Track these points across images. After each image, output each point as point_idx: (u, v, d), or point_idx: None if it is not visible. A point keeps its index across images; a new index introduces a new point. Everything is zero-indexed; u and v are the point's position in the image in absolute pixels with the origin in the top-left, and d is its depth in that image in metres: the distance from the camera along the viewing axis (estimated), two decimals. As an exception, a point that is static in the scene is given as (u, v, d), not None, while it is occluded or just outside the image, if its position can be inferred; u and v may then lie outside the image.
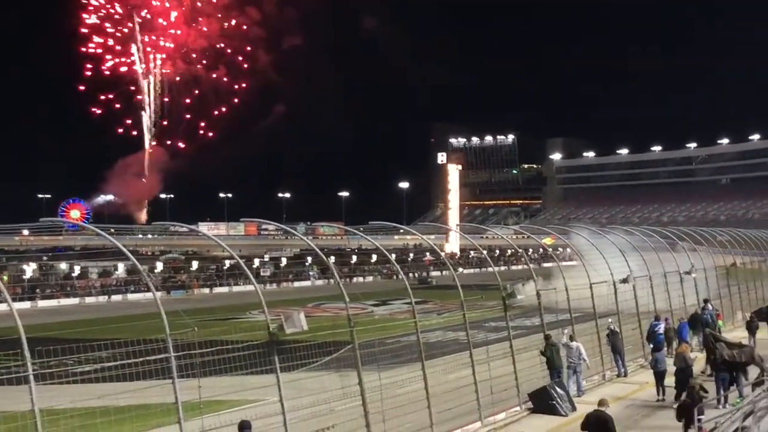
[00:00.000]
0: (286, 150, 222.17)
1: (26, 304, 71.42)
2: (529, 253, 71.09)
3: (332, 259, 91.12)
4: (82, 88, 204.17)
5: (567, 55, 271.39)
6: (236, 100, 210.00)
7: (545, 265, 54.26)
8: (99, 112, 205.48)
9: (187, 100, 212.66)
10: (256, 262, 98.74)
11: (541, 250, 68.93)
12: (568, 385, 26.83)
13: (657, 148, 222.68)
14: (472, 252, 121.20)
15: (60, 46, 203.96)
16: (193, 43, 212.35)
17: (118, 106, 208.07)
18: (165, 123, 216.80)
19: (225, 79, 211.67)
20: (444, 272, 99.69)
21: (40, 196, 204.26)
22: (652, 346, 32.02)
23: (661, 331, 33.06)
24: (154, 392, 16.27)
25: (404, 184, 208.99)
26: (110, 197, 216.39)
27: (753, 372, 24.69)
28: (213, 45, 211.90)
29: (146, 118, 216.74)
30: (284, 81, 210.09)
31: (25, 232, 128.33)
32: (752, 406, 17.45)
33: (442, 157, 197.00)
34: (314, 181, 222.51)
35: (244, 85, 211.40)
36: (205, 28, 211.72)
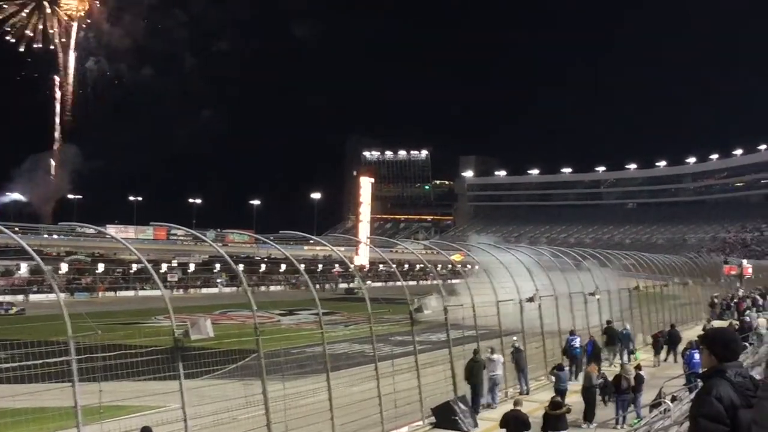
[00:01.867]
0: (199, 155, 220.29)
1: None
2: (438, 269, 71.55)
3: (241, 266, 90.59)
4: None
5: (483, 75, 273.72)
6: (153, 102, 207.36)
7: (453, 281, 54.63)
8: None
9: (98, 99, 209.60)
10: (164, 267, 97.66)
11: (450, 266, 69.51)
12: (487, 396, 27.32)
13: (567, 171, 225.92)
14: (381, 265, 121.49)
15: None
16: (118, 42, 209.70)
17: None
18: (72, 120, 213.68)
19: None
20: (350, 284, 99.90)
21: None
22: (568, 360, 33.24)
23: (577, 345, 34.00)
24: (53, 395, 15.99)
25: (316, 195, 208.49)
26: (16, 195, 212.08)
27: (652, 393, 25.16)
28: (139, 44, 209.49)
29: (57, 115, 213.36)
30: (205, 85, 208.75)
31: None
32: (648, 428, 17.78)
33: (355, 170, 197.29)
34: (226, 187, 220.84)
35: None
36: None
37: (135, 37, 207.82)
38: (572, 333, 35.57)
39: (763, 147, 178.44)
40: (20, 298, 78.65)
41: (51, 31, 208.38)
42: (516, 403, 19.39)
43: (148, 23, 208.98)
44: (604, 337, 39.64)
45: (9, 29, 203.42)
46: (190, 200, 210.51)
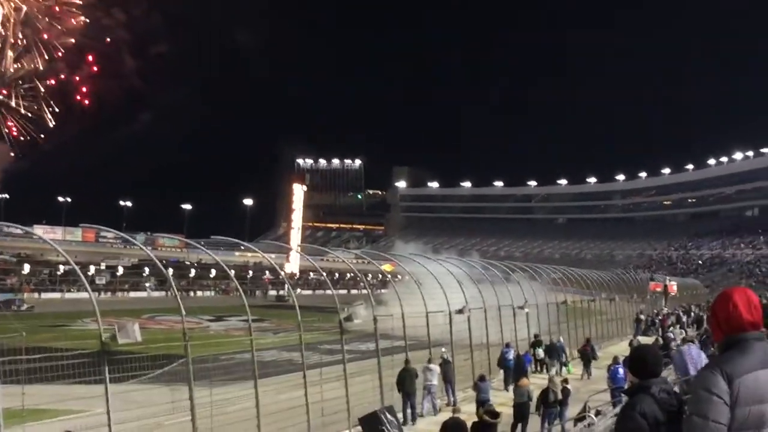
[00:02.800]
0: (131, 156, 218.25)
1: None
2: (369, 278, 71.61)
3: (171, 271, 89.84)
4: None
5: (419, 87, 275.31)
6: (86, 102, 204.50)
7: (383, 291, 54.72)
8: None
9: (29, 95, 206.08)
10: (92, 269, 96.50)
11: (380, 275, 69.57)
12: (423, 405, 27.50)
13: (499, 184, 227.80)
14: (312, 273, 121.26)
15: None
16: (56, 39, 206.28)
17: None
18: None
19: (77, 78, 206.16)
20: (280, 291, 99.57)
21: None
22: (502, 371, 33.72)
23: (511, 357, 34.45)
24: (-27, 397, 15.71)
25: (248, 201, 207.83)
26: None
27: (578, 407, 25.41)
28: (78, 44, 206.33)
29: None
30: (144, 86, 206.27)
31: None
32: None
33: (288, 177, 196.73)
34: (157, 190, 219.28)
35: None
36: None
37: (74, 36, 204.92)
38: (507, 345, 36.06)
39: (690, 167, 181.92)
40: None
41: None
42: (455, 411, 19.68)
43: (89, 22, 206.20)
44: (540, 351, 40.21)
45: None
46: (121, 203, 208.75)
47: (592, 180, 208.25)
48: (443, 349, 32.27)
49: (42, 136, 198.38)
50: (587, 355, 41.24)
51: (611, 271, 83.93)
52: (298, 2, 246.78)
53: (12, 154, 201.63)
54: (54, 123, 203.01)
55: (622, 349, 43.17)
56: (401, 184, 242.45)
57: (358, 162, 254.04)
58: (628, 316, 66.50)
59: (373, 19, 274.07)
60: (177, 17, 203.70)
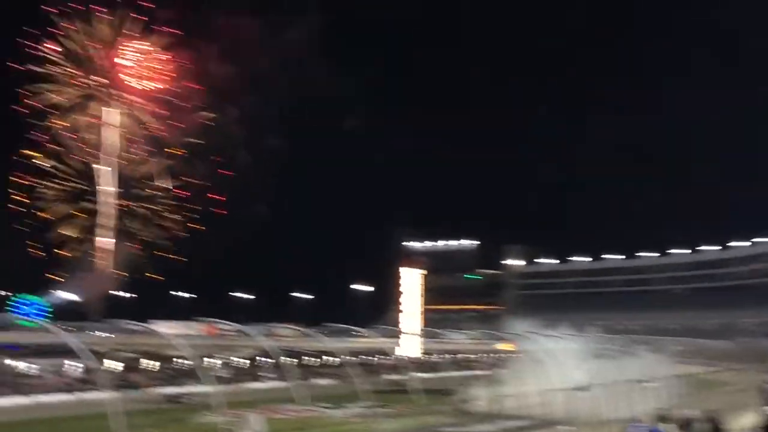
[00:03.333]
0: (245, 251, 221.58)
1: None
2: (486, 358, 71.09)
3: (288, 360, 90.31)
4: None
5: (526, 166, 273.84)
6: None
7: (502, 370, 54.22)
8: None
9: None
10: (213, 362, 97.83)
11: (499, 355, 69.04)
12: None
13: (613, 257, 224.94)
14: (430, 356, 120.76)
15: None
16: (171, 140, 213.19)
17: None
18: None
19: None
20: (398, 375, 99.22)
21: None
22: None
23: None
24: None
25: (362, 287, 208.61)
26: (67, 294, 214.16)
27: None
28: (192, 142, 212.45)
29: (106, 217, 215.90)
30: (251, 179, 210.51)
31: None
32: None
33: (401, 261, 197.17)
34: (272, 281, 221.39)
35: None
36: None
37: (188, 135, 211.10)
38: (635, 421, 34.97)
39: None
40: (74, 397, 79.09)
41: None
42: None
43: (199, 120, 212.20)
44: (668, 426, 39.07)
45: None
46: (237, 295, 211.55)
47: (709, 247, 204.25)
48: (567, 428, 31.73)
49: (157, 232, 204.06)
50: (717, 429, 39.98)
51: (734, 340, 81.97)
52: (408, 87, 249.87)
53: (134, 255, 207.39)
54: (178, 225, 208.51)
55: (750, 420, 41.82)
56: (514, 263, 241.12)
57: (470, 243, 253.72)
58: (755, 386, 64.51)
59: (479, 103, 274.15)
60: (287, 107, 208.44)
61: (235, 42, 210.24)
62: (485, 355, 73.33)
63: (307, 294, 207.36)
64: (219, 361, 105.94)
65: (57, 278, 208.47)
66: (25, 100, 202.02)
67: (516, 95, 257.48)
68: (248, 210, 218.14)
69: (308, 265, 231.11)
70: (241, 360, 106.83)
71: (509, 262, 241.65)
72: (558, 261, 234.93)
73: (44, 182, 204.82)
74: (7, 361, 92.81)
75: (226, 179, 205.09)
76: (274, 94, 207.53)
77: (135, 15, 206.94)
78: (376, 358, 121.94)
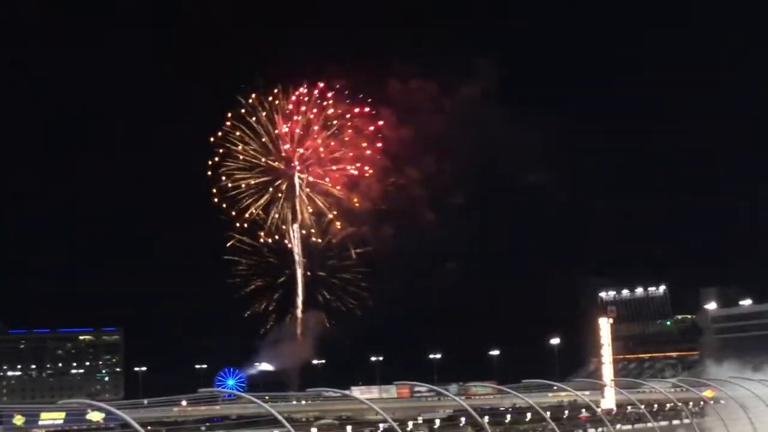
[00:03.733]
0: (434, 310, 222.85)
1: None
2: (690, 407, 68.94)
3: (486, 419, 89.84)
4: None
5: (718, 204, 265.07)
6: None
7: (707, 418, 52.51)
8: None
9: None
10: (410, 424, 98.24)
11: (702, 403, 66.79)
12: None
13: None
14: (629, 407, 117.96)
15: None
16: (357, 207, 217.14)
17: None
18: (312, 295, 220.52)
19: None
20: (600, 429, 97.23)
21: (196, 366, 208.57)
22: None
23: None
24: None
25: (555, 341, 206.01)
26: (264, 365, 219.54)
27: None
28: (376, 207, 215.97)
29: (299, 288, 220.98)
30: (445, 239, 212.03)
31: (184, 402, 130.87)
32: None
33: (591, 312, 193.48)
34: (463, 340, 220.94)
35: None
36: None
37: (372, 200, 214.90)
38: None
39: None
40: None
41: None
42: None
43: (382, 184, 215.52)
44: None
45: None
46: (430, 356, 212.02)
47: None
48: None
49: (352, 302, 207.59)
50: None
51: None
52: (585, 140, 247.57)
53: (326, 323, 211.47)
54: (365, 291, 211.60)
55: None
56: (711, 306, 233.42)
57: (662, 288, 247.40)
58: None
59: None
60: (467, 166, 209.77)
61: (412, 104, 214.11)
62: (689, 403, 71.07)
63: (496, 349, 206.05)
64: (419, 422, 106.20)
65: (255, 350, 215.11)
66: (222, 183, 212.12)
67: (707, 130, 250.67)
68: (439, 269, 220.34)
69: (496, 320, 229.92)
70: (439, 420, 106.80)
71: (705, 305, 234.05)
72: (754, 302, 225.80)
73: (242, 259, 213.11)
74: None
75: (415, 239, 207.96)
76: (456, 152, 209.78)
77: (313, 90, 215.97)
78: (575, 412, 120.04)
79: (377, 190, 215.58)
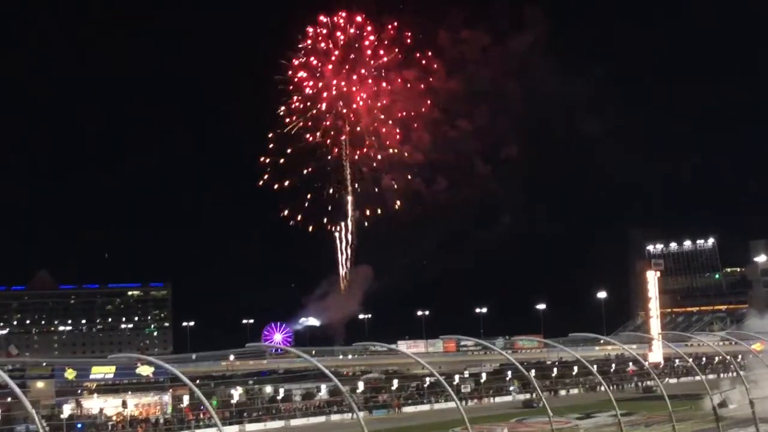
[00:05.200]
0: (477, 262, 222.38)
1: (234, 428, 73.47)
2: (739, 360, 68.26)
3: (533, 372, 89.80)
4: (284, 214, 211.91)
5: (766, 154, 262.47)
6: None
7: (757, 371, 51.88)
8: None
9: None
10: (456, 378, 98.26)
11: (750, 356, 66.20)
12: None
13: None
14: (677, 361, 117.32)
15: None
16: (409, 158, 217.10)
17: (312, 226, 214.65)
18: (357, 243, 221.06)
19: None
20: (647, 382, 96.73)
21: (243, 321, 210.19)
22: None
23: None
24: None
25: (602, 294, 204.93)
26: (310, 320, 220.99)
27: None
28: (428, 158, 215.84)
29: (346, 236, 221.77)
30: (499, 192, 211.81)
31: (231, 357, 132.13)
32: None
33: (639, 265, 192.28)
34: (509, 294, 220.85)
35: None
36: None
37: (423, 152, 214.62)
38: None
39: None
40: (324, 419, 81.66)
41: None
42: None
43: (434, 136, 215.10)
44: None
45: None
46: (476, 310, 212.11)
47: None
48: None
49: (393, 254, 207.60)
50: None
51: None
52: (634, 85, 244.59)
53: (373, 277, 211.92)
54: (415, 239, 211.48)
55: None
56: (761, 258, 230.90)
57: (711, 241, 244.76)
58: None
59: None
60: (519, 119, 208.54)
61: (462, 56, 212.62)
62: (738, 356, 70.36)
63: (543, 303, 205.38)
64: (465, 376, 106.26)
65: (302, 305, 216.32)
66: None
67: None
68: (491, 223, 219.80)
69: (542, 274, 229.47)
70: (485, 374, 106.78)
71: (754, 257, 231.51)
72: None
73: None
74: (260, 387, 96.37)
75: (466, 193, 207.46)
76: (506, 104, 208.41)
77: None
78: (622, 366, 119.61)
79: (428, 142, 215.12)
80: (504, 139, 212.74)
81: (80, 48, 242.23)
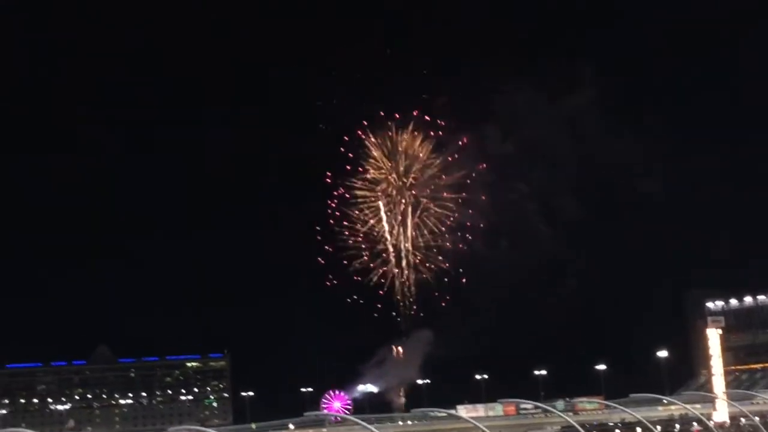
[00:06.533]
0: (540, 325, 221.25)
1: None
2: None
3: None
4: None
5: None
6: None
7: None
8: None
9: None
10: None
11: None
12: None
13: None
14: (742, 419, 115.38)
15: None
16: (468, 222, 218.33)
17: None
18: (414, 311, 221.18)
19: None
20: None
21: (302, 390, 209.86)
22: None
23: None
24: None
25: (662, 353, 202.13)
26: (369, 387, 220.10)
27: None
28: (488, 221, 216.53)
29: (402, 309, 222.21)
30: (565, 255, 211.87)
31: (291, 426, 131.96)
32: None
33: (699, 323, 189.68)
34: (569, 355, 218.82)
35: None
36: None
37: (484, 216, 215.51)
38: None
39: None
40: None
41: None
42: None
43: (489, 199, 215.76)
44: None
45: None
46: (536, 372, 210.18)
47: None
48: None
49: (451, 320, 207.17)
50: None
51: None
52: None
53: (427, 343, 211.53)
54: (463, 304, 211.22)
55: None
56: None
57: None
58: None
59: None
60: (574, 179, 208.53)
61: (515, 116, 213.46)
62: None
63: (603, 364, 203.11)
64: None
65: (360, 373, 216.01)
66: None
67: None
68: (555, 285, 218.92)
69: (602, 335, 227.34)
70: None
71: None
72: None
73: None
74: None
75: (526, 260, 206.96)
76: (562, 164, 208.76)
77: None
78: (686, 426, 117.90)
79: (488, 206, 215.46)
80: (560, 198, 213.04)
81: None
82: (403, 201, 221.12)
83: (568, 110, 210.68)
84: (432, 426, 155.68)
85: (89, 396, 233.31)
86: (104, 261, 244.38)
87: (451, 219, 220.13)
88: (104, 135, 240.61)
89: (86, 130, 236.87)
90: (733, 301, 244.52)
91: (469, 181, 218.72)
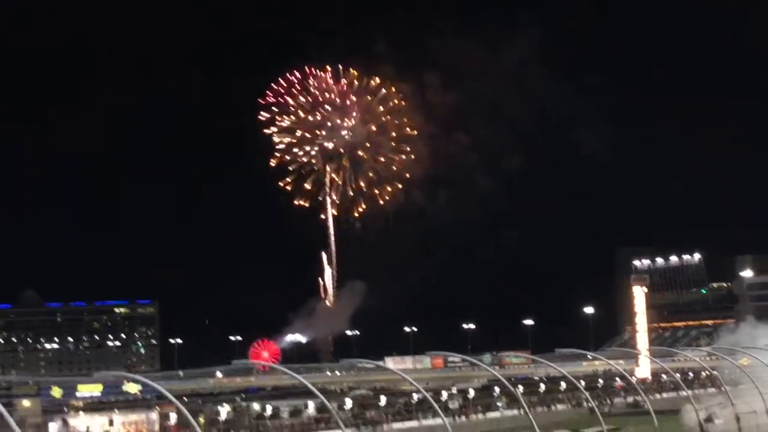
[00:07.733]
0: (470, 279, 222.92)
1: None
2: (726, 374, 68.44)
3: (520, 388, 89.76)
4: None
5: (755, 169, 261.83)
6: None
7: (742, 386, 52.05)
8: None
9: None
10: (444, 394, 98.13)
11: (738, 371, 66.41)
12: None
13: None
14: (664, 376, 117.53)
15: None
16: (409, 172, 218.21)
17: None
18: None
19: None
20: (634, 398, 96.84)
21: (231, 338, 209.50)
22: None
23: None
24: None
25: (589, 309, 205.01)
26: (296, 336, 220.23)
27: None
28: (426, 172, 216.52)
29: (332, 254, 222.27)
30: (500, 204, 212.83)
31: (219, 374, 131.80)
32: None
33: (626, 280, 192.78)
34: (497, 309, 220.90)
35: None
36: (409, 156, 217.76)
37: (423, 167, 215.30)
38: None
39: None
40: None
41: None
42: None
43: (433, 149, 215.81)
44: None
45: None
46: (464, 326, 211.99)
47: None
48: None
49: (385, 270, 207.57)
50: None
51: None
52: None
53: (364, 293, 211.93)
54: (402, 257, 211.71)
55: None
56: (747, 274, 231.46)
57: (697, 256, 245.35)
58: None
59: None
60: (521, 131, 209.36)
61: (457, 67, 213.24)
62: (725, 370, 70.60)
63: (531, 319, 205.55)
64: (453, 392, 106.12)
65: (289, 322, 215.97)
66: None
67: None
68: (493, 239, 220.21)
69: (530, 290, 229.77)
70: (473, 390, 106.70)
71: (741, 273, 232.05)
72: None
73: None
74: (247, 405, 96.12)
75: (465, 212, 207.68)
76: (502, 116, 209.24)
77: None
78: (609, 381, 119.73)
79: (427, 157, 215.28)
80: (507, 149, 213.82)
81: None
82: (341, 149, 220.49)
83: (512, 61, 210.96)
84: (360, 377, 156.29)
85: (14, 340, 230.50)
86: (36, 203, 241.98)
87: (393, 168, 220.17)
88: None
89: None
90: (660, 261, 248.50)
91: (409, 130, 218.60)
